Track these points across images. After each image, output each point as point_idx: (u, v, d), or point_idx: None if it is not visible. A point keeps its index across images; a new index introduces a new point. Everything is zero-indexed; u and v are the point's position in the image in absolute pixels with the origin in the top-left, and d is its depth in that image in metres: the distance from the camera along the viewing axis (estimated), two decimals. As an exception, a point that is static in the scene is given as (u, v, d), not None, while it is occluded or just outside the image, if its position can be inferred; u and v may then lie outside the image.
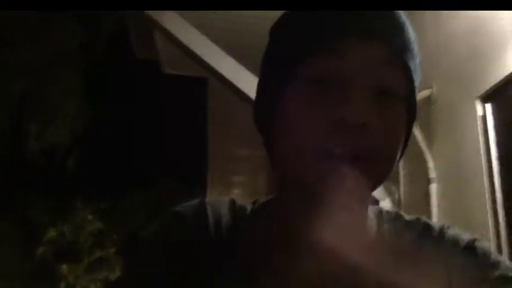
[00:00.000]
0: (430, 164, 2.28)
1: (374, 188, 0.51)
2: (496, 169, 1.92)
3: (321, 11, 0.50)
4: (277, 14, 0.56)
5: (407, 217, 0.59)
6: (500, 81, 1.94)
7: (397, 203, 2.40)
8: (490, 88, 1.99)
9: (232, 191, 7.49)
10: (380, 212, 0.59)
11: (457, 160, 2.16)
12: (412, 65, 0.50)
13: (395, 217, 0.59)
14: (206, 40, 2.69)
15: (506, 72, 1.90)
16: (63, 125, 10.00)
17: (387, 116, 0.48)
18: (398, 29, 0.50)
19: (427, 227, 0.57)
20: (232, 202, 0.59)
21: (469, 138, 2.07)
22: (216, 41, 2.72)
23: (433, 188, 2.25)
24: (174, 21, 2.71)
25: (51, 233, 14.44)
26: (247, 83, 2.67)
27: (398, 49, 0.49)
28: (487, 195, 1.92)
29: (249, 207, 0.59)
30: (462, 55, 2.22)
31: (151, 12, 2.70)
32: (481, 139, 2.01)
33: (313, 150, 0.47)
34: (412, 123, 0.53)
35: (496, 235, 1.86)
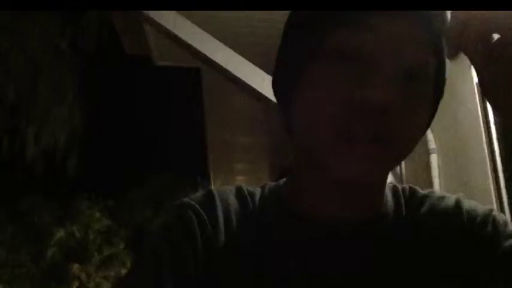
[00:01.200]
0: (429, 135, 2.28)
1: (392, 167, 0.51)
2: (494, 136, 1.93)
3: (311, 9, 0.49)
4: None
5: (422, 191, 0.59)
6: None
7: (399, 175, 2.41)
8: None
9: (235, 178, 7.51)
10: (395, 187, 0.59)
11: (456, 129, 2.17)
12: (443, 45, 0.50)
13: (410, 192, 0.59)
14: (198, 29, 2.67)
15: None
16: (59, 126, 9.99)
17: (412, 98, 0.47)
18: (433, 14, 0.49)
19: (442, 199, 0.57)
20: (239, 189, 0.58)
21: (467, 106, 2.07)
22: (207, 29, 2.70)
23: (434, 158, 2.26)
24: (163, 13, 2.69)
25: (60, 233, 14.54)
26: (244, 70, 2.65)
27: (430, 30, 0.47)
28: (488, 162, 1.92)
29: (258, 193, 0.58)
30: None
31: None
32: (479, 106, 2.01)
33: (332, 128, 0.47)
34: (439, 101, 0.53)
35: (499, 201, 1.87)
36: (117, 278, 16.38)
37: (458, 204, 0.56)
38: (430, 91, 0.50)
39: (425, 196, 0.58)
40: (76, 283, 14.58)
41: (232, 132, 5.63)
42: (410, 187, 0.60)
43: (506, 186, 1.87)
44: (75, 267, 14.63)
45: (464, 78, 2.11)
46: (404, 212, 0.56)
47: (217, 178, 7.46)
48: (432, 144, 2.29)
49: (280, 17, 0.56)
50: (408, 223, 0.55)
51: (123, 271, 16.85)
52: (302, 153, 0.53)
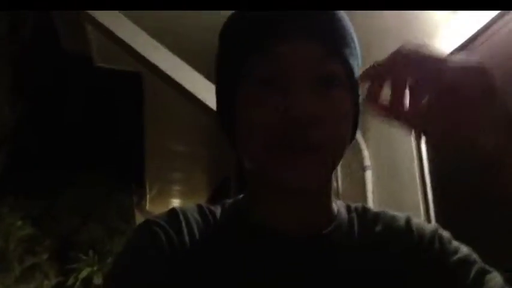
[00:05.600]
0: (365, 152, 2.37)
1: (327, 172, 0.55)
2: (425, 154, 2.04)
3: (258, 12, 0.53)
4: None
5: (374, 210, 0.63)
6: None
7: (335, 190, 2.48)
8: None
9: (172, 187, 7.37)
10: (348, 205, 0.63)
11: (389, 147, 2.27)
12: (347, 51, 0.54)
13: (362, 210, 0.63)
14: (142, 32, 2.62)
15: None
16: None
17: (331, 102, 0.51)
18: (330, 24, 0.53)
19: (394, 219, 0.61)
20: (201, 207, 0.60)
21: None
22: (151, 34, 2.65)
23: (368, 174, 2.35)
24: (107, 14, 2.61)
25: (-25, 241, 13.44)
26: (185, 75, 2.63)
27: (331, 43, 0.52)
28: (418, 179, 2.03)
29: (218, 210, 0.61)
30: (393, 45, 2.32)
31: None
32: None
33: (265, 141, 0.51)
34: (357, 103, 0.57)
35: (427, 216, 1.98)
36: (38, 290, 15.37)
37: (408, 224, 0.60)
38: (346, 94, 0.54)
39: (378, 214, 0.62)
40: (-9, 295, 13.50)
41: (171, 140, 5.54)
42: (362, 205, 0.64)
43: (434, 202, 1.98)
44: (-9, 278, 13.56)
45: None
46: (356, 226, 0.59)
47: (153, 187, 7.29)
48: (367, 161, 2.38)
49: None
50: (362, 237, 0.58)
51: (46, 283, 15.86)
52: (249, 166, 0.57)
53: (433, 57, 0.45)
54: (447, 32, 1.94)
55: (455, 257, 0.56)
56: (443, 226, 0.61)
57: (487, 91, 0.42)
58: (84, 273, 17.21)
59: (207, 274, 0.53)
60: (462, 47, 1.86)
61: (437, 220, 1.95)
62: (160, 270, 0.52)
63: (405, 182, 2.12)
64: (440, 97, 0.44)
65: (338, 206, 0.61)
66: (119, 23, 2.61)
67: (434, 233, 0.59)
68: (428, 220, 1.96)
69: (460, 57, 0.45)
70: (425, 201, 2.00)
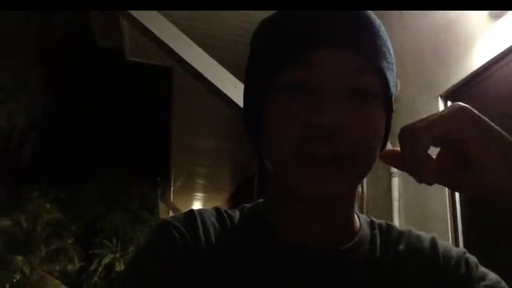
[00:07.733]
0: (393, 158, 2.34)
1: (353, 184, 0.53)
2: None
3: (291, 21, 0.52)
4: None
5: (399, 228, 0.61)
6: (461, 80, 2.01)
7: (360, 196, 2.45)
8: (451, 87, 2.06)
9: (195, 181, 7.44)
10: (372, 221, 0.61)
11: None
12: (384, 64, 0.52)
13: (387, 227, 0.61)
14: (173, 28, 2.65)
15: (467, 72, 1.97)
16: (18, 111, 9.59)
17: (362, 115, 0.50)
18: (368, 34, 0.52)
19: (419, 238, 0.59)
20: (219, 211, 0.60)
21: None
22: (182, 29, 2.68)
23: (395, 182, 2.32)
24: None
25: (5, 222, 13.89)
26: (214, 72, 2.64)
27: (368, 54, 0.51)
28: (446, 188, 1.99)
29: (237, 214, 0.60)
30: (427, 54, 2.28)
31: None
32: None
33: (292, 151, 0.50)
34: (390, 116, 0.56)
35: (454, 227, 1.93)
36: (62, 273, 15.80)
37: (434, 245, 0.58)
38: (380, 108, 0.53)
39: (402, 233, 0.60)
40: (18, 276, 13.96)
41: (197, 135, 5.59)
42: (387, 223, 0.62)
43: (461, 211, 1.93)
44: (19, 259, 14.02)
45: (429, 107, 2.19)
46: (378, 244, 0.58)
47: (178, 180, 7.36)
48: (394, 168, 2.34)
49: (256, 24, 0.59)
50: (384, 256, 0.57)
51: (70, 266, 16.29)
52: (273, 175, 0.56)
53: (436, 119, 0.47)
54: (484, 42, 1.89)
55: (482, 284, 0.53)
56: (470, 236, 0.58)
57: (483, 137, 0.44)
58: (106, 259, 17.65)
59: (220, 279, 0.52)
60: (501, 57, 1.80)
61: (465, 230, 1.90)
62: (171, 273, 0.52)
63: (433, 190, 2.08)
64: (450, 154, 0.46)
65: (361, 221, 0.59)
66: (153, 19, 2.64)
67: (461, 257, 0.56)
68: (455, 230, 1.92)
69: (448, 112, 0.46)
70: (453, 211, 1.95)
